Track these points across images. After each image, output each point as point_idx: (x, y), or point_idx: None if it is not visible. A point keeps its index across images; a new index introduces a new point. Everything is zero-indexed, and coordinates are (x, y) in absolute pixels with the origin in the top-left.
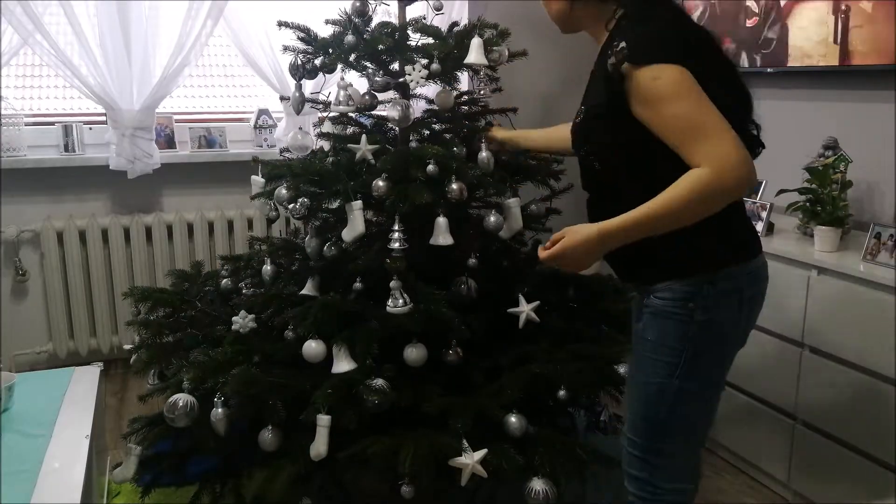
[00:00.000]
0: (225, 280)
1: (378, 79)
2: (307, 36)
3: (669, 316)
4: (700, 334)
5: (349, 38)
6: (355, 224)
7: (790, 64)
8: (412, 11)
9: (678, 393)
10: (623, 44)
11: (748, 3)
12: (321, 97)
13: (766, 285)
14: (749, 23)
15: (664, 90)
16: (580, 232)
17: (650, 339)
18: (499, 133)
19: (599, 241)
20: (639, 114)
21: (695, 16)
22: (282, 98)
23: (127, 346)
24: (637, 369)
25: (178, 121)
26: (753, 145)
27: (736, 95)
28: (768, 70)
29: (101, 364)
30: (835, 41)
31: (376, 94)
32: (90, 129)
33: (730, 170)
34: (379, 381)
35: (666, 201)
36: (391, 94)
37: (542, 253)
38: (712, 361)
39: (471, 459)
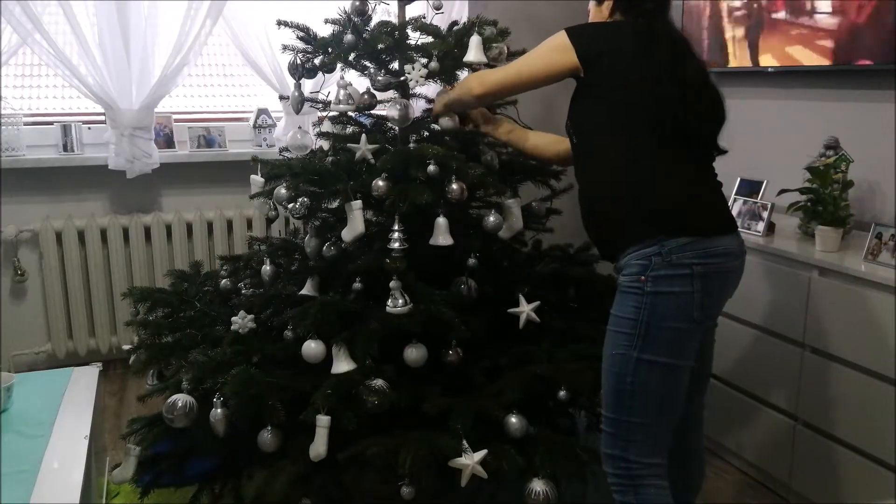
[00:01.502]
0: (224, 280)
1: (380, 78)
2: (306, 35)
3: (627, 290)
4: (651, 305)
5: (348, 37)
6: (355, 224)
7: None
8: (412, 10)
9: (637, 364)
10: None
11: None
12: (320, 96)
13: (728, 264)
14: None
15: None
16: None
17: (614, 313)
18: (501, 130)
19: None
20: None
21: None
22: (281, 97)
23: (126, 347)
24: (606, 344)
25: (177, 120)
26: (687, 135)
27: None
28: (769, 70)
29: (99, 364)
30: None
31: (375, 93)
32: (89, 128)
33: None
34: (379, 382)
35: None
36: (391, 93)
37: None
38: (667, 333)
39: (471, 460)
